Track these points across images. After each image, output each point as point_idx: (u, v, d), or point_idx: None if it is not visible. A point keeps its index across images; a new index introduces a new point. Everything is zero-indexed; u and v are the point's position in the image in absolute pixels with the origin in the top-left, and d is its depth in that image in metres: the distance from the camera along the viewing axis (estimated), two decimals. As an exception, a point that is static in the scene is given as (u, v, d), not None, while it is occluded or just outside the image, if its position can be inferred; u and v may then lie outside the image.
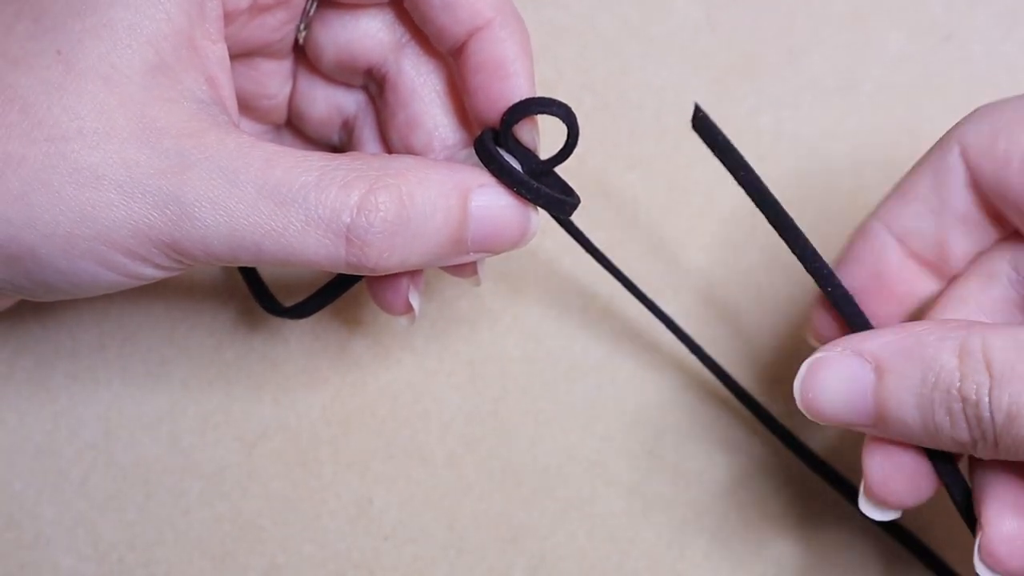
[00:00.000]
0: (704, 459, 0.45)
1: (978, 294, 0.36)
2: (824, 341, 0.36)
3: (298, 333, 0.45)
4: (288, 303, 0.42)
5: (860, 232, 0.36)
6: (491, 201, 0.35)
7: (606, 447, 0.45)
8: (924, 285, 0.36)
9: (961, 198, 0.34)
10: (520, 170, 0.36)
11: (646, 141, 0.47)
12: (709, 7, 0.47)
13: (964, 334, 0.32)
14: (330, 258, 0.33)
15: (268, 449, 0.44)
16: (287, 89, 0.41)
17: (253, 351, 0.45)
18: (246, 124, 0.41)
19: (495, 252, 0.36)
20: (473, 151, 0.36)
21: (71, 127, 0.32)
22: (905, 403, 0.32)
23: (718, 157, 0.35)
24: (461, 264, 0.37)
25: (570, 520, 0.44)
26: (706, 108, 0.48)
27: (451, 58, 0.37)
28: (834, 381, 0.34)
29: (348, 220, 0.33)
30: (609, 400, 0.45)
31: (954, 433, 0.32)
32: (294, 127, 0.42)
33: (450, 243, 0.35)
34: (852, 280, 0.36)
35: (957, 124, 0.34)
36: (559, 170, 0.37)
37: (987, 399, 0.31)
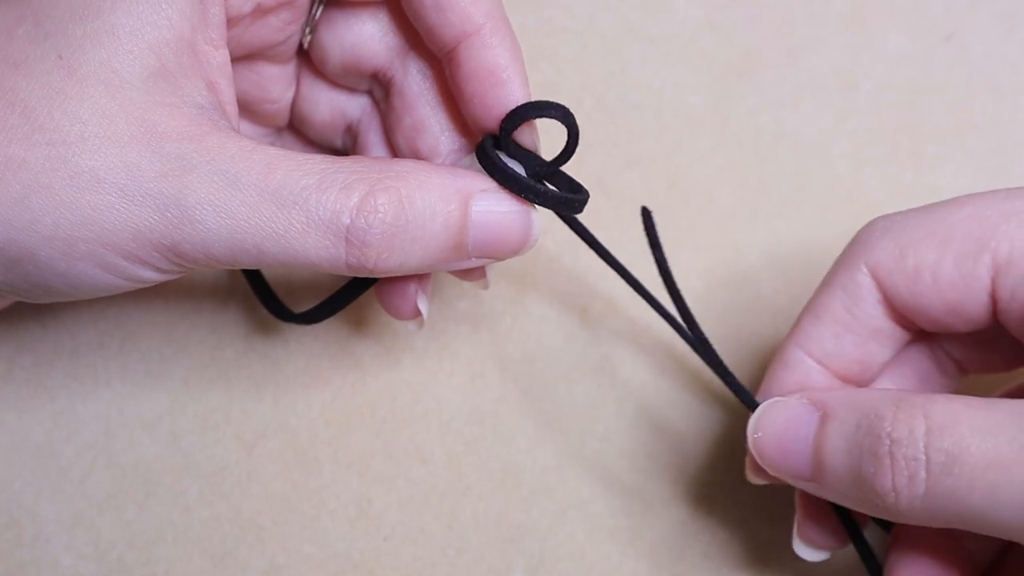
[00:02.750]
0: (704, 459, 0.45)
1: (897, 369, 0.37)
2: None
3: (298, 333, 0.45)
4: (289, 304, 0.42)
5: (781, 361, 0.37)
6: (492, 207, 0.35)
7: (606, 447, 0.45)
8: None
9: (875, 314, 0.35)
10: (524, 174, 0.36)
11: (646, 141, 0.47)
12: (709, 7, 0.47)
13: (908, 392, 0.33)
14: (330, 259, 0.33)
15: (268, 449, 0.44)
16: (290, 93, 0.41)
17: (253, 351, 0.45)
18: (247, 127, 0.41)
19: (497, 258, 0.36)
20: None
21: (72, 131, 0.32)
22: (838, 449, 0.33)
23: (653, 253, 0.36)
24: (468, 268, 0.37)
25: (570, 520, 0.44)
26: (706, 108, 0.48)
27: (445, 66, 0.37)
28: (781, 422, 0.34)
29: (348, 221, 0.33)
30: (609, 400, 0.45)
31: (876, 481, 0.32)
32: (296, 130, 0.42)
33: (450, 248, 0.35)
34: None
35: (859, 242, 0.35)
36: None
37: (922, 442, 0.31)
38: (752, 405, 0.36)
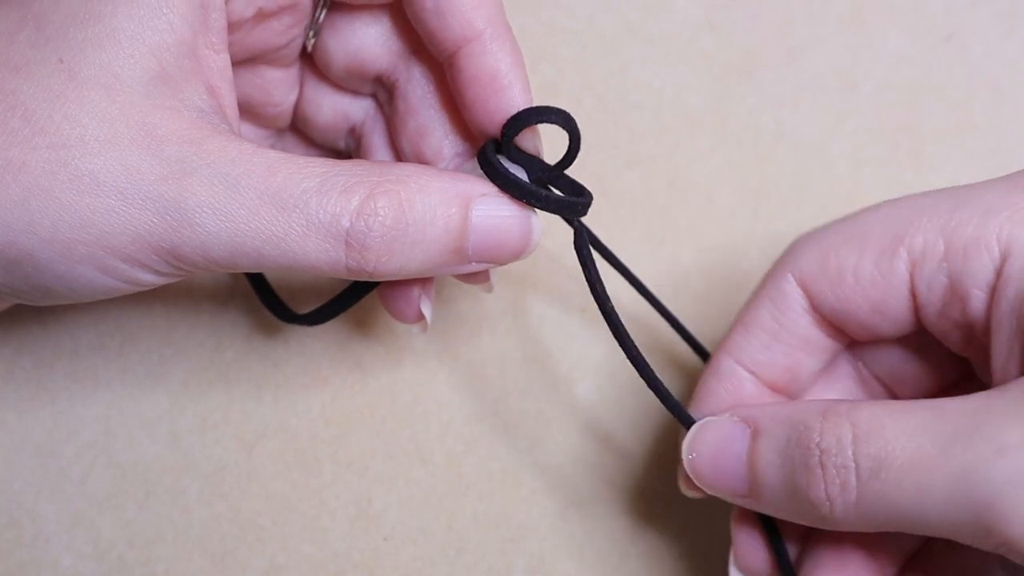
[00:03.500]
0: (704, 459, 0.45)
1: (826, 383, 0.38)
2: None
3: (298, 334, 0.45)
4: (289, 306, 0.42)
5: (712, 371, 0.37)
6: (493, 211, 0.35)
7: (606, 447, 0.45)
8: None
9: (802, 323, 0.36)
10: (526, 179, 0.36)
11: (646, 141, 0.47)
12: (709, 7, 0.47)
13: (833, 402, 0.33)
14: (330, 263, 0.33)
15: (268, 449, 0.44)
16: (292, 96, 0.41)
17: (253, 351, 0.45)
18: (248, 129, 0.41)
19: (498, 263, 0.36)
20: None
21: (72, 135, 0.32)
22: (771, 463, 0.33)
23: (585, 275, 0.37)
24: (471, 272, 0.37)
25: (570, 520, 0.44)
26: (706, 108, 0.48)
27: (446, 71, 0.37)
28: (714, 442, 0.35)
29: (347, 225, 0.33)
30: (609, 400, 0.45)
31: (810, 491, 0.32)
32: (298, 131, 0.42)
33: (450, 252, 0.35)
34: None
35: (785, 255, 0.36)
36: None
37: (850, 450, 0.31)
38: (688, 423, 0.36)
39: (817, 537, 0.36)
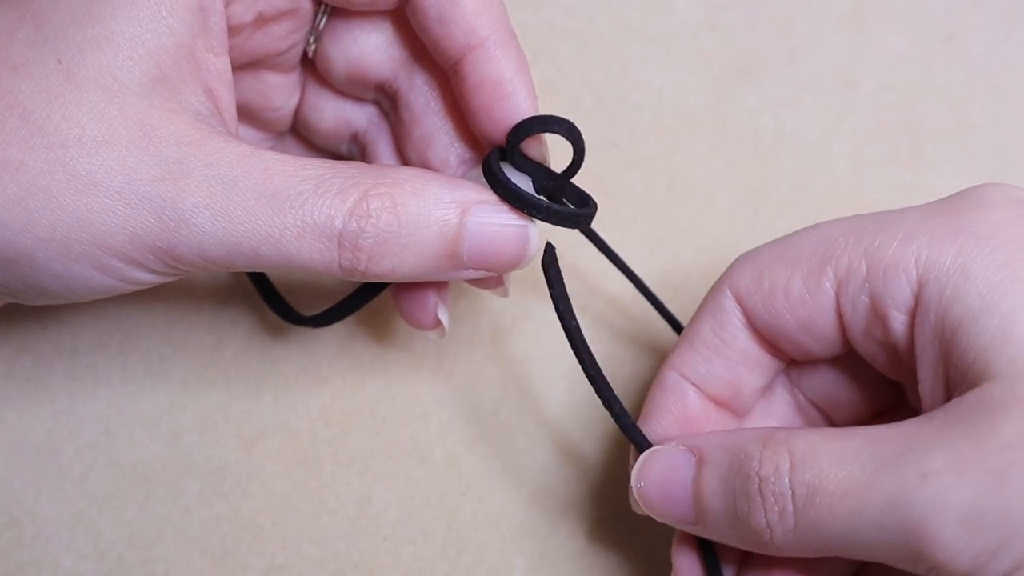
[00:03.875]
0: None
1: (765, 410, 0.39)
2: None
3: (298, 333, 0.45)
4: (292, 307, 0.42)
5: (659, 384, 0.38)
6: (489, 218, 0.35)
7: (606, 447, 0.45)
8: (727, 424, 0.38)
9: (741, 337, 0.37)
10: (530, 188, 0.36)
11: (646, 141, 0.47)
12: (709, 7, 0.47)
13: (772, 430, 0.34)
14: (324, 262, 0.34)
15: (268, 448, 0.44)
16: (292, 102, 0.41)
17: (252, 350, 0.45)
18: (248, 132, 0.41)
19: (495, 270, 0.36)
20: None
21: (70, 135, 0.32)
22: (715, 491, 0.34)
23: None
24: (483, 278, 0.37)
25: (570, 520, 0.44)
26: (706, 108, 0.48)
27: (451, 78, 0.37)
28: (661, 470, 0.35)
29: (340, 225, 0.33)
30: (609, 400, 0.45)
31: (751, 519, 0.33)
32: (299, 135, 0.42)
33: (445, 256, 0.35)
34: (663, 429, 0.37)
35: (725, 271, 0.37)
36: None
37: (787, 478, 0.32)
38: (641, 448, 0.37)
39: (752, 562, 0.37)
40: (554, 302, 0.37)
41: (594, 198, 0.38)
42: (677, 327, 0.43)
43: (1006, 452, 0.29)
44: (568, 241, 0.42)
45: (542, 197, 0.36)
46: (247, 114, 0.40)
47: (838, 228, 0.35)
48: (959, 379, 0.32)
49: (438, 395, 0.45)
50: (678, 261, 0.46)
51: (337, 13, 0.38)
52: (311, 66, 0.40)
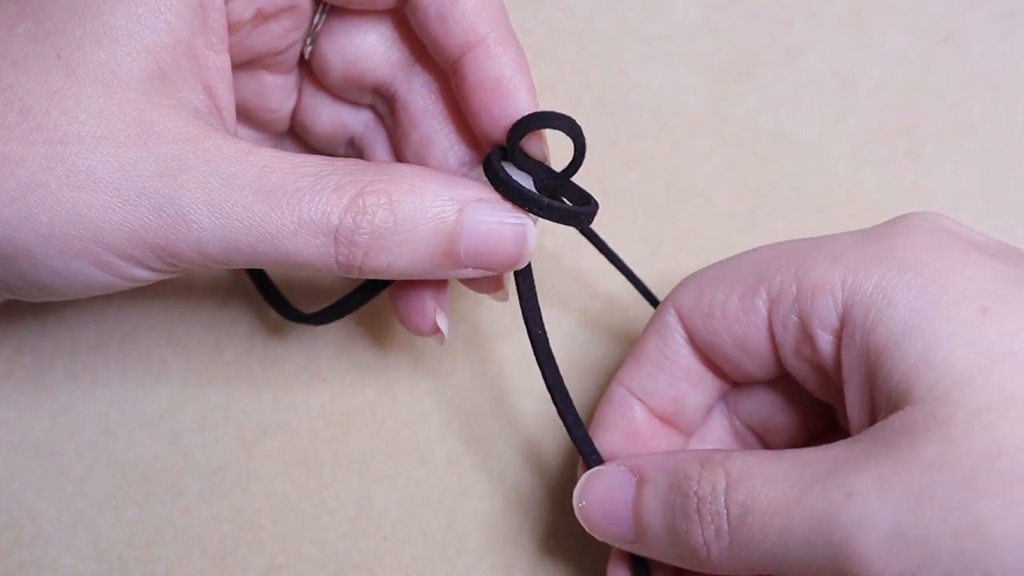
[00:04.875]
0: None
1: (702, 435, 0.39)
2: None
3: (298, 333, 0.45)
4: (292, 305, 0.42)
5: (606, 398, 0.39)
6: (487, 216, 0.35)
7: (605, 447, 0.45)
8: (672, 441, 0.39)
9: (684, 354, 0.38)
10: (532, 186, 0.36)
11: (645, 141, 0.47)
12: (708, 7, 0.48)
13: (711, 452, 0.35)
14: (321, 259, 0.34)
15: (268, 448, 0.45)
16: (290, 104, 0.41)
17: (253, 350, 0.45)
18: (246, 132, 0.41)
19: (493, 269, 0.36)
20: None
21: (69, 131, 0.32)
22: (655, 511, 0.35)
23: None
24: (484, 279, 0.37)
25: (570, 520, 0.44)
26: (705, 108, 0.48)
27: (451, 78, 0.37)
28: (603, 490, 0.36)
29: (337, 221, 0.33)
30: (608, 400, 0.45)
31: (689, 537, 0.33)
32: (298, 136, 0.42)
33: (441, 254, 0.35)
34: (611, 443, 0.38)
35: (672, 290, 0.38)
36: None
37: (723, 497, 0.33)
38: (590, 461, 0.38)
39: None
40: (522, 309, 0.37)
41: (595, 198, 0.38)
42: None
43: (927, 474, 0.30)
44: (568, 242, 0.42)
45: (543, 196, 0.36)
46: (244, 114, 0.40)
47: (775, 250, 0.36)
48: (883, 402, 0.32)
49: (438, 395, 0.45)
50: (677, 261, 0.46)
51: (335, 13, 0.39)
52: (308, 68, 0.40)
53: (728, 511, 0.33)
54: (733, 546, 0.33)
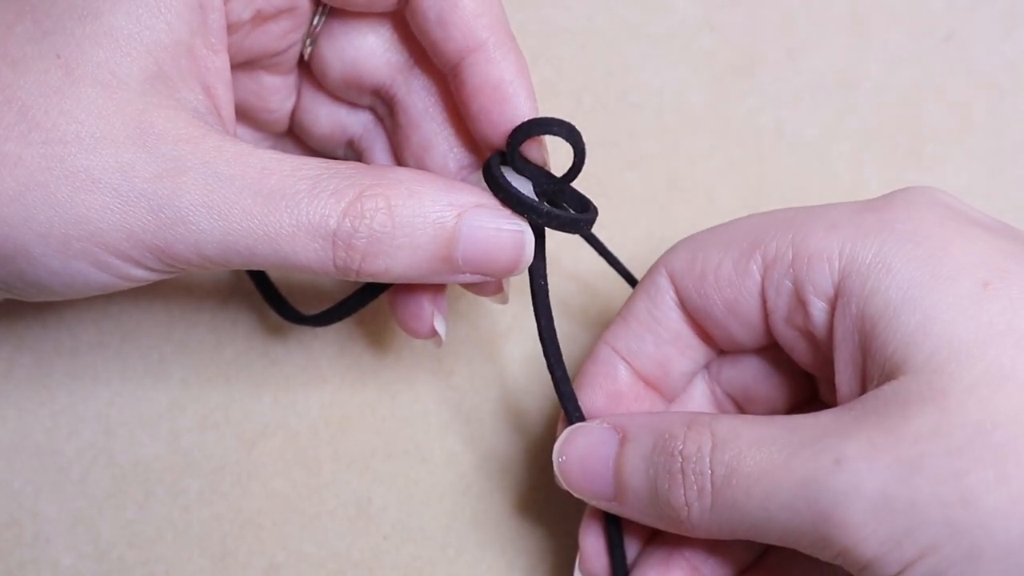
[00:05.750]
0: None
1: (682, 402, 0.39)
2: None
3: (298, 332, 0.45)
4: (293, 306, 0.42)
5: (591, 356, 0.39)
6: (485, 223, 0.35)
7: (605, 447, 0.45)
8: (654, 404, 0.39)
9: (673, 317, 0.37)
10: (531, 191, 0.36)
11: (646, 140, 0.47)
12: (709, 7, 0.48)
13: (697, 413, 0.36)
14: (319, 262, 0.34)
15: (268, 448, 0.45)
16: (289, 105, 0.41)
17: (253, 349, 0.45)
18: (246, 132, 0.41)
19: (491, 275, 0.36)
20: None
21: (68, 131, 0.32)
22: (637, 469, 0.34)
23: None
24: (482, 283, 0.37)
25: (570, 520, 0.44)
26: (706, 108, 0.48)
27: (450, 82, 0.37)
28: (584, 446, 0.36)
29: (335, 225, 0.33)
30: (608, 400, 0.45)
31: (671, 496, 0.33)
32: (297, 137, 0.42)
33: (439, 259, 0.35)
34: (594, 402, 0.38)
35: (665, 253, 0.38)
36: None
37: (708, 457, 0.33)
38: (572, 418, 0.37)
39: (657, 543, 0.38)
40: (536, 317, 0.37)
41: (594, 198, 0.38)
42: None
43: (919, 443, 0.30)
44: (568, 242, 0.42)
45: (542, 201, 0.36)
46: (243, 114, 0.40)
47: (772, 217, 0.36)
48: (876, 371, 0.32)
49: (438, 395, 0.45)
50: (678, 261, 0.46)
51: (335, 15, 0.39)
52: (307, 69, 0.40)
53: (713, 471, 0.32)
54: (715, 507, 0.33)
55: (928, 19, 0.47)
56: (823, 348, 0.35)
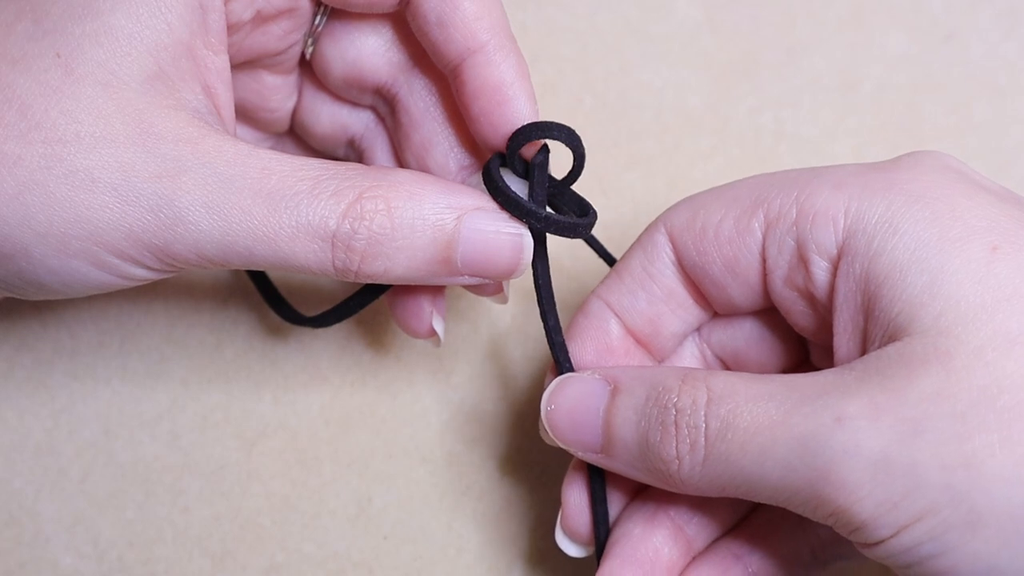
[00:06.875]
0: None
1: (671, 363, 0.39)
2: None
3: (298, 333, 0.45)
4: (293, 308, 0.42)
5: (583, 310, 0.38)
6: (484, 225, 0.35)
7: (605, 447, 0.45)
8: (643, 362, 0.38)
9: (668, 275, 0.37)
10: (529, 196, 0.36)
11: (646, 141, 0.47)
12: (709, 7, 0.47)
13: (691, 368, 0.35)
14: (318, 262, 0.34)
15: (268, 448, 0.44)
16: (290, 104, 0.41)
17: (253, 350, 0.45)
18: (246, 132, 0.41)
19: (489, 277, 0.36)
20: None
21: (68, 130, 0.32)
22: (628, 420, 0.34)
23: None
24: (481, 284, 0.37)
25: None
26: (706, 108, 0.48)
27: (451, 83, 0.37)
28: (574, 396, 0.36)
29: (334, 226, 0.33)
30: (608, 400, 0.45)
31: (662, 449, 0.33)
32: (298, 137, 0.42)
33: (438, 261, 0.35)
34: (583, 355, 0.38)
35: (665, 211, 0.37)
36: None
37: (703, 411, 0.32)
38: (562, 368, 0.37)
39: (640, 501, 0.37)
40: (540, 307, 0.37)
41: (594, 198, 0.38)
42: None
43: (922, 404, 0.30)
44: (568, 243, 0.42)
45: (542, 205, 0.36)
46: (244, 114, 0.40)
47: (776, 175, 0.35)
48: (879, 332, 0.32)
49: (438, 395, 0.45)
50: (678, 261, 0.46)
51: (336, 15, 0.39)
52: (308, 69, 0.40)
53: (707, 425, 0.32)
54: (707, 462, 0.32)
55: (928, 19, 0.47)
56: (821, 309, 0.35)
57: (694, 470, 0.33)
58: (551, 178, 0.37)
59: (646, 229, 0.37)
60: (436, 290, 0.39)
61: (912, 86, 0.47)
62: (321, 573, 0.44)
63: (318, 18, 0.38)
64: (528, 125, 0.36)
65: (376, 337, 0.45)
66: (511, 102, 0.36)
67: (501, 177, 0.36)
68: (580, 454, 0.36)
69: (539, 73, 0.46)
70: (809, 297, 0.35)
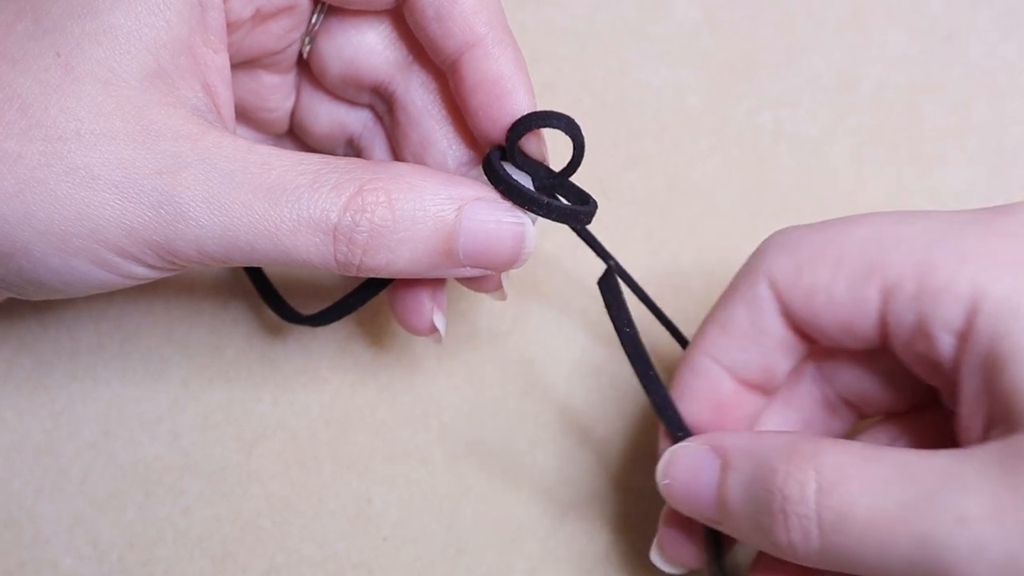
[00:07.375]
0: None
1: (788, 400, 0.38)
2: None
3: (298, 333, 0.45)
4: (291, 306, 0.42)
5: (690, 369, 0.37)
6: (485, 216, 0.35)
7: (606, 449, 0.45)
8: (758, 404, 0.37)
9: (776, 326, 0.36)
10: (531, 186, 0.36)
11: (645, 141, 0.47)
12: (709, 7, 0.48)
13: (798, 439, 0.33)
14: (320, 256, 0.34)
15: (268, 449, 0.44)
16: (288, 104, 0.41)
17: (253, 350, 0.45)
18: (245, 132, 0.41)
19: (491, 268, 0.36)
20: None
21: (68, 128, 0.32)
22: (739, 498, 0.34)
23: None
24: (482, 279, 0.37)
25: (570, 521, 0.44)
26: (706, 108, 0.48)
27: (449, 78, 0.37)
28: (687, 469, 0.35)
29: (335, 219, 0.33)
30: (609, 402, 0.45)
31: (773, 534, 0.32)
32: (297, 137, 0.42)
33: (440, 253, 0.35)
34: (693, 414, 0.37)
35: (759, 255, 0.36)
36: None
37: (813, 502, 0.31)
38: (676, 433, 0.37)
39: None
40: (613, 321, 0.37)
41: (594, 198, 0.38)
42: (676, 334, 0.42)
43: None
44: (568, 243, 0.42)
45: (542, 195, 0.36)
46: (243, 114, 0.40)
47: (888, 231, 0.33)
48: (1000, 415, 0.31)
49: (438, 395, 0.45)
50: (678, 261, 0.46)
51: (333, 13, 0.39)
52: (306, 68, 0.40)
53: (820, 516, 0.31)
54: (823, 550, 0.32)
55: (928, 19, 0.47)
56: (947, 373, 0.33)
57: (810, 555, 0.32)
58: (550, 169, 0.37)
59: (742, 276, 0.36)
60: (437, 286, 0.39)
61: (911, 86, 0.47)
62: (321, 574, 0.44)
63: (315, 16, 0.38)
64: (527, 115, 0.36)
65: (376, 338, 0.45)
66: (510, 95, 0.36)
67: (502, 166, 0.36)
68: (703, 521, 0.36)
69: (538, 73, 0.46)
70: (934, 364, 0.33)
